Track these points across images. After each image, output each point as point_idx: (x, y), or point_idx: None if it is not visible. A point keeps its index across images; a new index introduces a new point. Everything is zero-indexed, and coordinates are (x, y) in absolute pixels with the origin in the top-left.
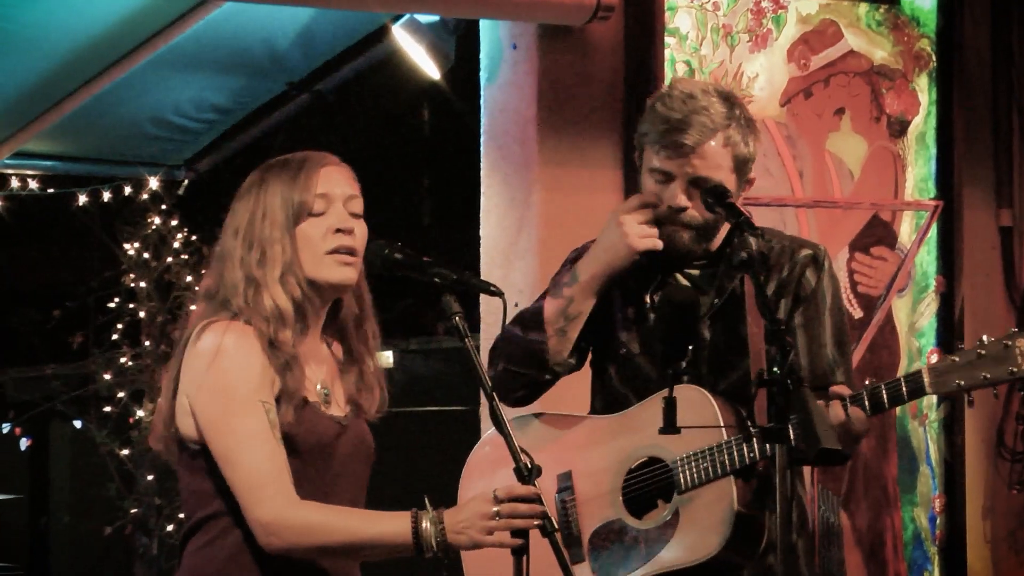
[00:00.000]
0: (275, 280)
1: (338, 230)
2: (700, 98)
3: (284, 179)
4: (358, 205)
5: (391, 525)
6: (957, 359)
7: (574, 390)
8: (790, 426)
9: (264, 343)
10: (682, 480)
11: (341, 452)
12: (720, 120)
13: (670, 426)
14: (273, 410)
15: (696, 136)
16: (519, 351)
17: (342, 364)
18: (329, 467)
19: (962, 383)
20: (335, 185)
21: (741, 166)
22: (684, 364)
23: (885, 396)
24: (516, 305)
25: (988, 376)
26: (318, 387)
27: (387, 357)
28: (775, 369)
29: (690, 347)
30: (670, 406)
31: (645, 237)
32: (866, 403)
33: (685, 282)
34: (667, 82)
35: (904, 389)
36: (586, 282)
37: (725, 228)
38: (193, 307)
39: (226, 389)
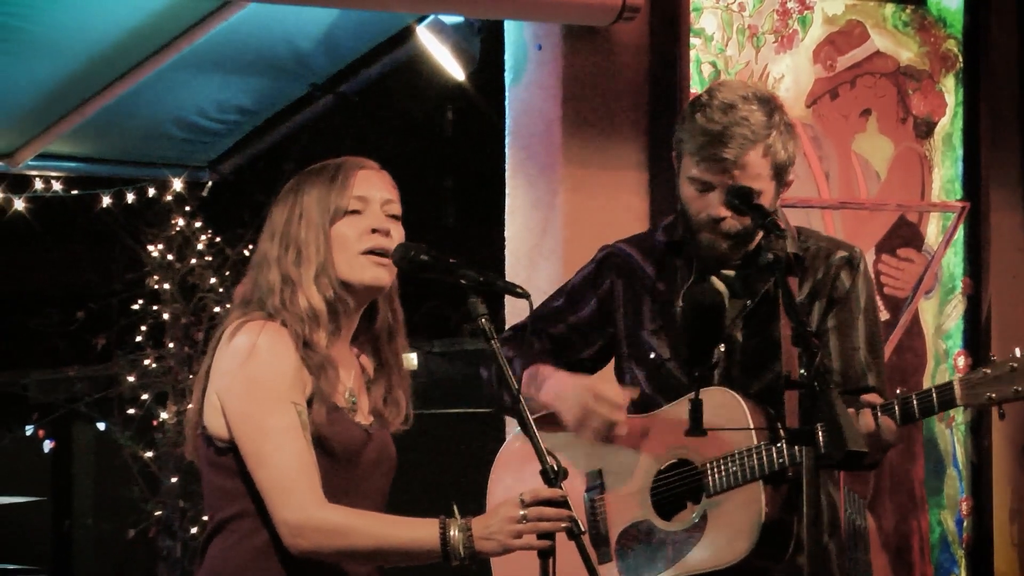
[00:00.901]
0: (310, 280)
1: (374, 230)
2: (740, 108)
3: (321, 182)
4: (395, 208)
5: (419, 531)
6: (989, 371)
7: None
8: (817, 429)
9: (298, 344)
10: (711, 483)
11: (366, 460)
12: (760, 130)
13: (696, 428)
14: (304, 412)
15: (736, 150)
16: (490, 394)
17: (372, 374)
18: (353, 474)
19: (993, 396)
20: (372, 188)
21: (780, 172)
22: (712, 366)
23: (916, 407)
24: None
25: (1020, 390)
26: (346, 394)
27: (412, 359)
28: (802, 371)
29: (721, 348)
30: (696, 408)
31: (598, 430)
32: (896, 413)
33: (720, 285)
34: (692, 83)
35: (935, 400)
36: (539, 403)
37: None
38: (226, 311)
39: (259, 387)
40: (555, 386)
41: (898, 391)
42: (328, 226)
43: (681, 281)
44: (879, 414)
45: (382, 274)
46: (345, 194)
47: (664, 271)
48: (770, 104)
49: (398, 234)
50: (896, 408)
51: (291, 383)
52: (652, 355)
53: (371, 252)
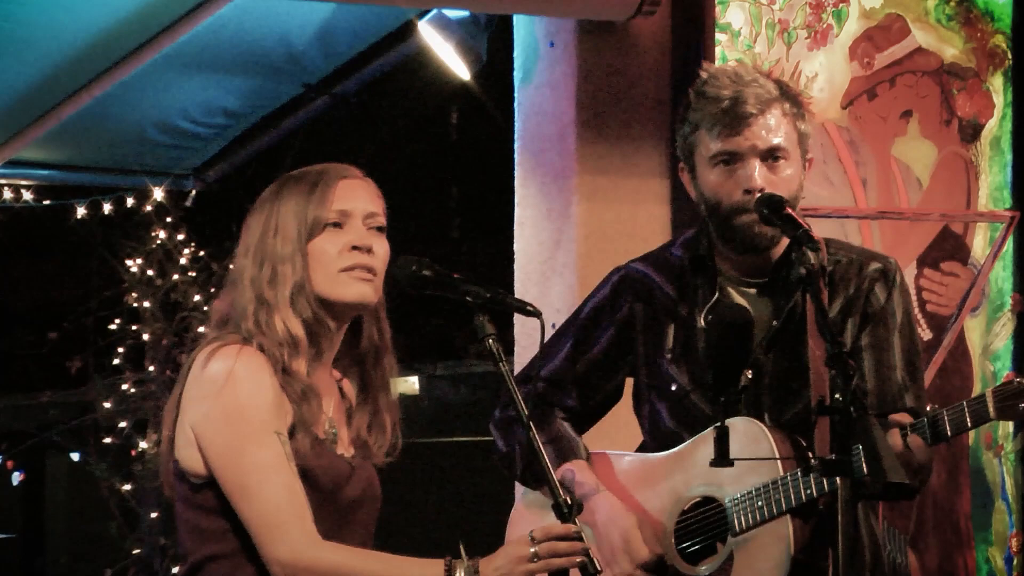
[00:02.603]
0: (286, 301)
1: (355, 247)
2: (745, 75)
3: (299, 192)
4: (380, 221)
5: (422, 572)
6: None
7: (621, 419)
8: (854, 457)
9: (277, 370)
10: (736, 521)
11: (348, 496)
12: (774, 92)
13: (722, 457)
14: (288, 442)
15: (756, 104)
16: (498, 456)
17: (355, 400)
18: (339, 509)
19: None
20: (355, 199)
21: (803, 140)
22: (740, 392)
23: (947, 423)
24: (553, 326)
25: None
26: (326, 424)
27: (412, 383)
28: (837, 396)
29: (748, 373)
30: (722, 436)
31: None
32: (927, 431)
33: (741, 300)
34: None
35: (967, 415)
36: None
37: (784, 243)
38: (204, 332)
39: (238, 418)
40: (602, 509)
41: (928, 407)
42: (305, 241)
43: (703, 300)
44: (908, 433)
45: (366, 290)
46: (325, 206)
47: (685, 291)
48: (770, 76)
49: (382, 249)
50: (926, 425)
51: (272, 412)
52: (673, 386)
53: (352, 269)
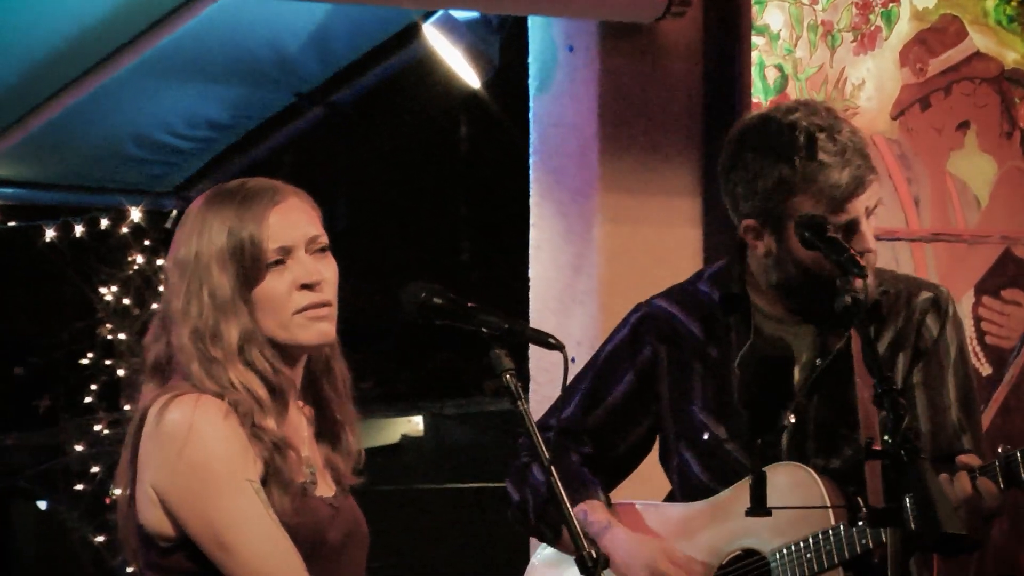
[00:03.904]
0: (233, 354)
1: (303, 286)
2: (836, 123)
3: (229, 230)
4: (322, 240)
5: None
6: None
7: (644, 473)
8: (905, 506)
9: (243, 420)
10: (781, 575)
11: (332, 541)
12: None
13: (758, 505)
14: (262, 491)
15: (871, 173)
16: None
17: (316, 423)
18: (322, 558)
19: None
20: (292, 228)
21: None
22: (779, 433)
23: (1022, 465)
24: (574, 360)
25: None
26: (304, 466)
27: (416, 423)
28: (886, 438)
29: (791, 418)
30: (758, 482)
31: None
32: (999, 475)
33: (779, 338)
34: (754, 91)
35: None
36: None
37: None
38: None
39: (205, 471)
40: (619, 545)
41: (999, 449)
42: (248, 288)
43: (737, 343)
44: (977, 476)
45: (325, 328)
46: (263, 248)
47: (715, 332)
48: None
49: (332, 273)
50: (998, 469)
51: (241, 460)
52: (706, 435)
53: (306, 310)
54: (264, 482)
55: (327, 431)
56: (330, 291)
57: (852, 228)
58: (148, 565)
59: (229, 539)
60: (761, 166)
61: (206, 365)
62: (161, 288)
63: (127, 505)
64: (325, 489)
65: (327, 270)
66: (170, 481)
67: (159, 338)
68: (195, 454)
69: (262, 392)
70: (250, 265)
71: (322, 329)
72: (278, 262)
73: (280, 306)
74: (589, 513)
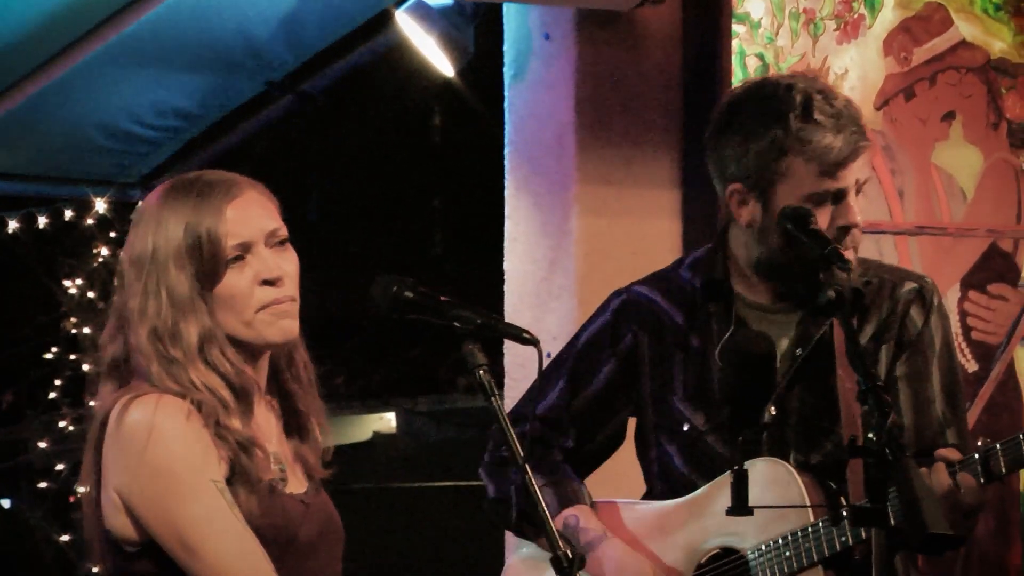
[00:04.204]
0: (193, 353)
1: (264, 281)
2: (837, 97)
3: (185, 225)
4: (281, 233)
5: None
6: None
7: (622, 465)
8: (889, 505)
9: (207, 420)
10: (760, 574)
11: (304, 538)
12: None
13: (740, 505)
14: (227, 491)
15: (865, 139)
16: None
17: (284, 417)
18: (293, 556)
19: None
20: (250, 223)
21: None
22: (761, 429)
23: (1002, 459)
24: (549, 356)
25: None
26: (272, 462)
27: (388, 420)
28: (870, 435)
29: (772, 410)
30: (740, 481)
31: None
32: (979, 469)
33: (762, 328)
34: (734, 80)
35: None
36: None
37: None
38: (100, 384)
39: (168, 472)
40: (613, 557)
41: (979, 442)
42: (207, 286)
43: (718, 332)
44: (957, 470)
45: (289, 325)
46: (221, 244)
47: (696, 320)
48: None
49: (292, 267)
50: (978, 462)
51: (203, 461)
52: (686, 426)
53: (268, 306)
54: (230, 483)
55: (294, 424)
56: (292, 285)
57: (840, 198)
58: (115, 570)
59: (194, 541)
60: (754, 127)
61: (166, 365)
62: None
63: (92, 508)
64: (296, 485)
65: (288, 264)
66: (133, 484)
67: (115, 338)
68: (156, 456)
69: (225, 392)
70: (209, 262)
71: (285, 326)
72: (237, 258)
73: (242, 304)
74: (582, 520)
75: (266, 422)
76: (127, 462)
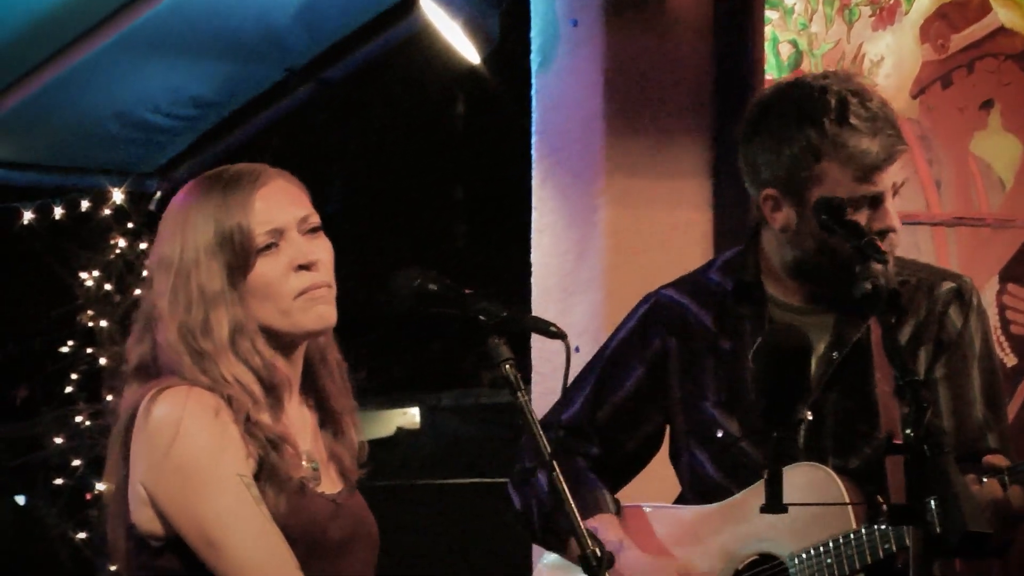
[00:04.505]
0: (225, 347)
1: (300, 267)
2: (864, 84)
3: (214, 215)
4: (314, 220)
5: None
6: None
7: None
8: (929, 504)
9: (235, 415)
10: None
11: (334, 537)
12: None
13: (774, 503)
14: (254, 486)
15: (903, 143)
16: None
17: (318, 416)
18: (322, 557)
19: None
20: (281, 209)
21: None
22: (796, 426)
23: None
24: (577, 350)
25: None
26: (304, 461)
27: (412, 415)
28: (908, 432)
29: (807, 413)
30: (774, 478)
31: None
32: None
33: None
34: (768, 68)
35: None
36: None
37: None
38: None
39: (194, 466)
40: (633, 568)
41: None
42: (239, 275)
43: (751, 334)
44: (1007, 480)
45: (326, 311)
46: (251, 232)
47: (727, 323)
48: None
49: (326, 254)
50: None
51: (231, 454)
52: (719, 432)
53: (306, 292)
54: (257, 479)
55: (329, 423)
56: (327, 272)
57: (877, 203)
58: (139, 567)
59: (217, 536)
60: (787, 130)
61: (196, 359)
62: (140, 289)
63: (118, 505)
64: (329, 485)
65: (322, 251)
66: (158, 477)
67: (142, 340)
68: (183, 449)
69: (255, 386)
70: (240, 253)
71: (323, 312)
72: (269, 246)
73: (277, 291)
74: (601, 531)
75: (300, 419)
76: (153, 455)
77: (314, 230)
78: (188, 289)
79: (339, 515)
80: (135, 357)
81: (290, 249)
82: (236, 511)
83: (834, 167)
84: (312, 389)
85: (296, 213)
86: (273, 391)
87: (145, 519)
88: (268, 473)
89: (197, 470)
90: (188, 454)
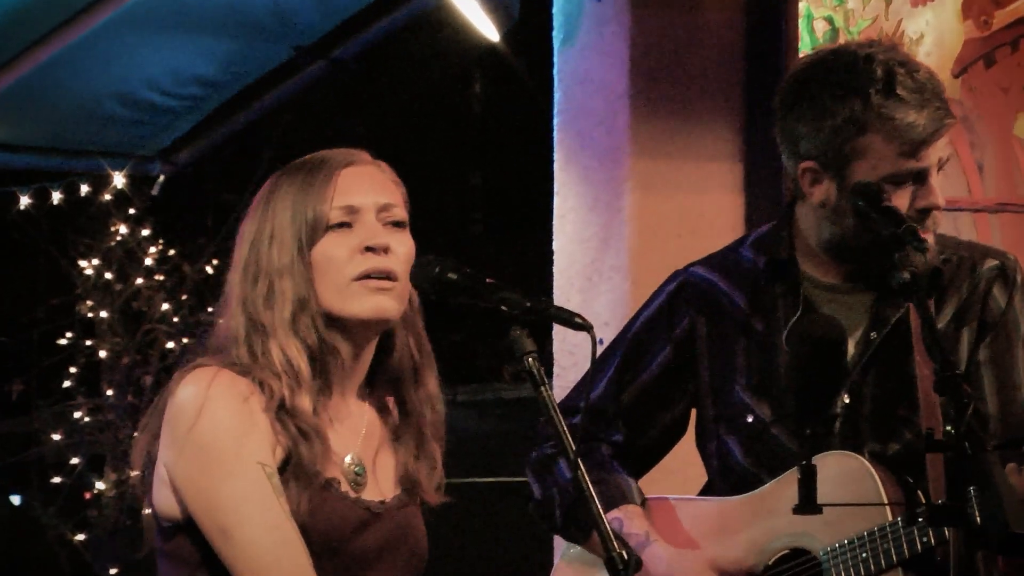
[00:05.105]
0: (285, 323)
1: (367, 248)
2: (921, 70)
3: (296, 188)
4: (398, 214)
5: None
6: None
7: (681, 458)
8: (970, 503)
9: (271, 405)
10: None
11: (361, 545)
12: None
13: (807, 504)
14: (275, 476)
15: (949, 116)
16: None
17: (395, 428)
18: (342, 564)
19: None
20: (362, 191)
21: None
22: (831, 421)
23: None
24: (602, 342)
25: None
26: (347, 460)
27: None
28: (949, 428)
29: (844, 399)
30: (808, 476)
31: None
32: None
33: (831, 310)
34: (802, 46)
35: None
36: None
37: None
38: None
39: (214, 449)
40: (660, 562)
41: None
42: (307, 248)
43: (784, 315)
44: None
45: (385, 303)
46: (326, 202)
47: (760, 303)
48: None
49: (403, 248)
50: None
51: (256, 441)
52: (750, 417)
53: (367, 276)
54: (282, 472)
55: (411, 441)
56: (399, 266)
57: (922, 179)
58: (157, 547)
59: (231, 523)
60: (831, 101)
61: (251, 335)
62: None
63: (146, 482)
64: (374, 492)
65: (400, 244)
66: (178, 458)
67: (221, 322)
68: (204, 430)
69: (304, 366)
70: (312, 226)
71: (380, 303)
72: (343, 224)
73: (339, 269)
74: (626, 523)
75: (354, 415)
76: (175, 435)
77: (397, 224)
78: (257, 261)
79: (373, 524)
80: (214, 340)
81: (363, 231)
82: (253, 499)
83: (878, 141)
84: (396, 393)
85: (377, 199)
86: (325, 375)
87: (162, 499)
88: (295, 467)
89: (218, 452)
90: (210, 435)
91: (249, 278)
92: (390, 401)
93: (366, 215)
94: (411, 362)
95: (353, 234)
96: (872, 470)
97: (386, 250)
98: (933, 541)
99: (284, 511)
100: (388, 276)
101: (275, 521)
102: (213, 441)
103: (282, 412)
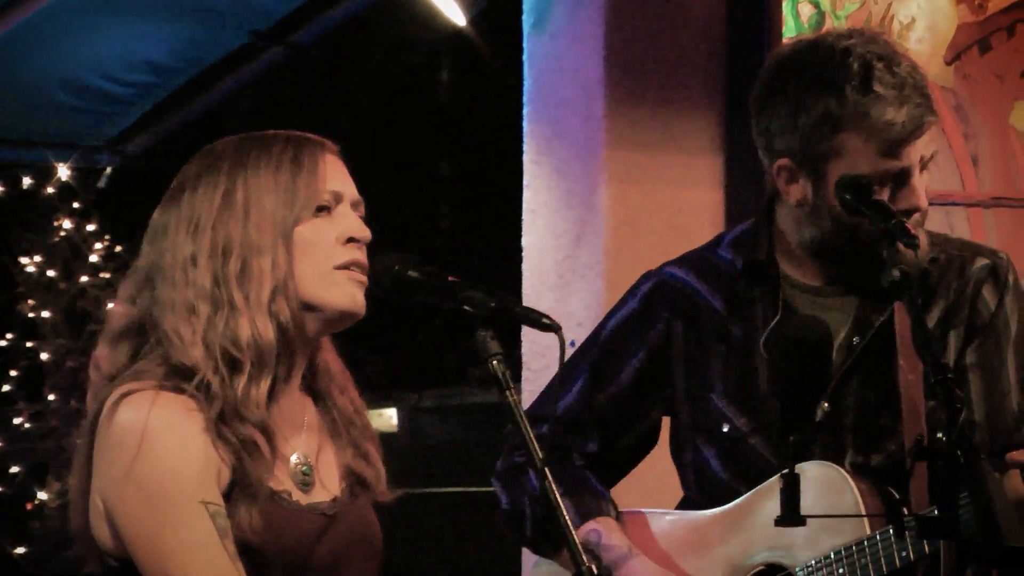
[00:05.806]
0: (261, 304)
1: (350, 239)
2: (892, 45)
3: (277, 163)
4: (363, 210)
5: None
6: None
7: (656, 468)
8: (960, 516)
9: (207, 416)
10: None
11: (323, 555)
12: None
13: (790, 515)
14: (222, 513)
15: (931, 114)
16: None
17: (332, 425)
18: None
19: None
20: (343, 181)
21: None
22: (815, 429)
23: None
24: (573, 344)
25: None
26: (294, 460)
27: (389, 417)
28: (939, 435)
29: (824, 405)
30: (791, 486)
31: None
32: None
33: (813, 313)
34: (786, 31)
35: None
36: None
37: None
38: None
39: (157, 490)
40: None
41: None
42: (291, 228)
43: (763, 319)
44: None
45: (360, 297)
46: (316, 185)
47: (738, 306)
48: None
49: (366, 244)
50: None
51: (199, 477)
52: (726, 427)
53: (348, 267)
54: (229, 497)
55: (342, 433)
56: (366, 263)
57: (903, 179)
58: None
59: (173, 572)
60: (805, 96)
61: (213, 311)
62: (148, 244)
63: (81, 513)
64: (321, 493)
65: (367, 240)
66: (118, 498)
67: (136, 299)
68: (146, 471)
69: (271, 345)
70: (302, 204)
71: (357, 296)
72: (324, 208)
73: (322, 255)
74: (604, 536)
75: (299, 408)
76: (114, 471)
77: (363, 219)
78: (228, 235)
79: (331, 528)
80: (117, 321)
81: (344, 220)
82: (197, 547)
83: (855, 139)
84: (314, 392)
85: (354, 192)
86: (287, 354)
87: (100, 534)
88: (242, 484)
89: (160, 497)
90: (152, 476)
91: (215, 251)
92: (322, 400)
93: (345, 205)
94: (338, 366)
95: (332, 222)
96: (851, 481)
97: (364, 246)
98: (912, 556)
99: (230, 557)
100: (365, 271)
101: (220, 570)
102: (156, 485)
103: (224, 420)
